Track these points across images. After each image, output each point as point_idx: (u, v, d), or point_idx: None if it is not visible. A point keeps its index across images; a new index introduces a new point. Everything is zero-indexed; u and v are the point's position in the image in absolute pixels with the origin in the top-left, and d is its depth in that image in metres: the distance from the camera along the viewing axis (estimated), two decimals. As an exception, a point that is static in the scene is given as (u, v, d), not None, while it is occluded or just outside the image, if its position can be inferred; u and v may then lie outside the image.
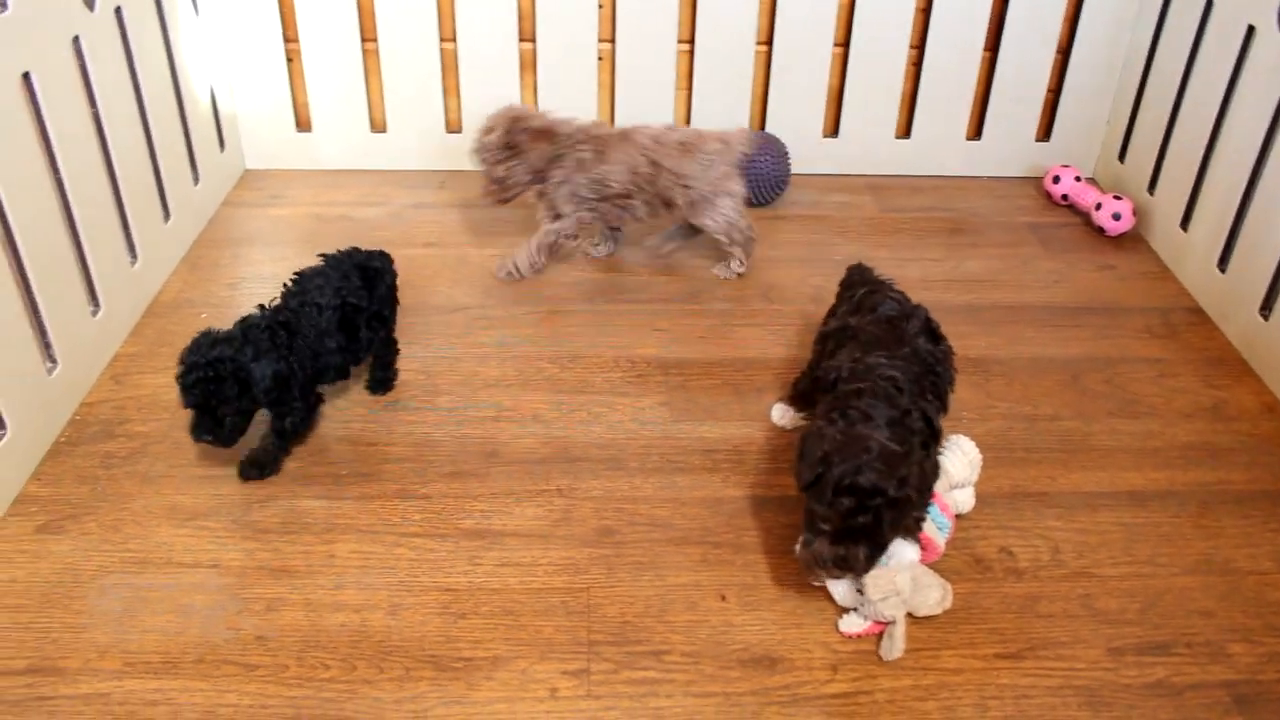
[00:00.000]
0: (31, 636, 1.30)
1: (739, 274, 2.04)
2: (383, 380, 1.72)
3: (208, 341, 1.44)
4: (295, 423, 1.54)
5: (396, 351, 1.74)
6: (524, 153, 1.92)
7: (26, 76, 1.54)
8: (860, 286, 1.61)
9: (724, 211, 1.97)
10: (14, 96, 1.51)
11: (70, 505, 1.49)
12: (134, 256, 1.87)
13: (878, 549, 1.28)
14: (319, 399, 1.60)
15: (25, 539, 1.44)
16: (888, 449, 1.26)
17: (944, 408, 1.47)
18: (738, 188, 1.99)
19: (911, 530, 1.33)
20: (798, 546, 1.41)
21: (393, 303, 1.70)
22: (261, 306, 1.54)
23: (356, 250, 1.66)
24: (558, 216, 1.98)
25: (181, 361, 1.43)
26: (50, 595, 1.36)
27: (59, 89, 1.62)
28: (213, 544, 1.44)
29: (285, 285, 1.59)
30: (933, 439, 1.38)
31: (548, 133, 1.94)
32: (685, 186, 1.94)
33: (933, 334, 1.51)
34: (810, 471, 1.28)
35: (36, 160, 1.57)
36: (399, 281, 1.71)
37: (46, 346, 1.58)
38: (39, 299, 1.55)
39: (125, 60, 1.84)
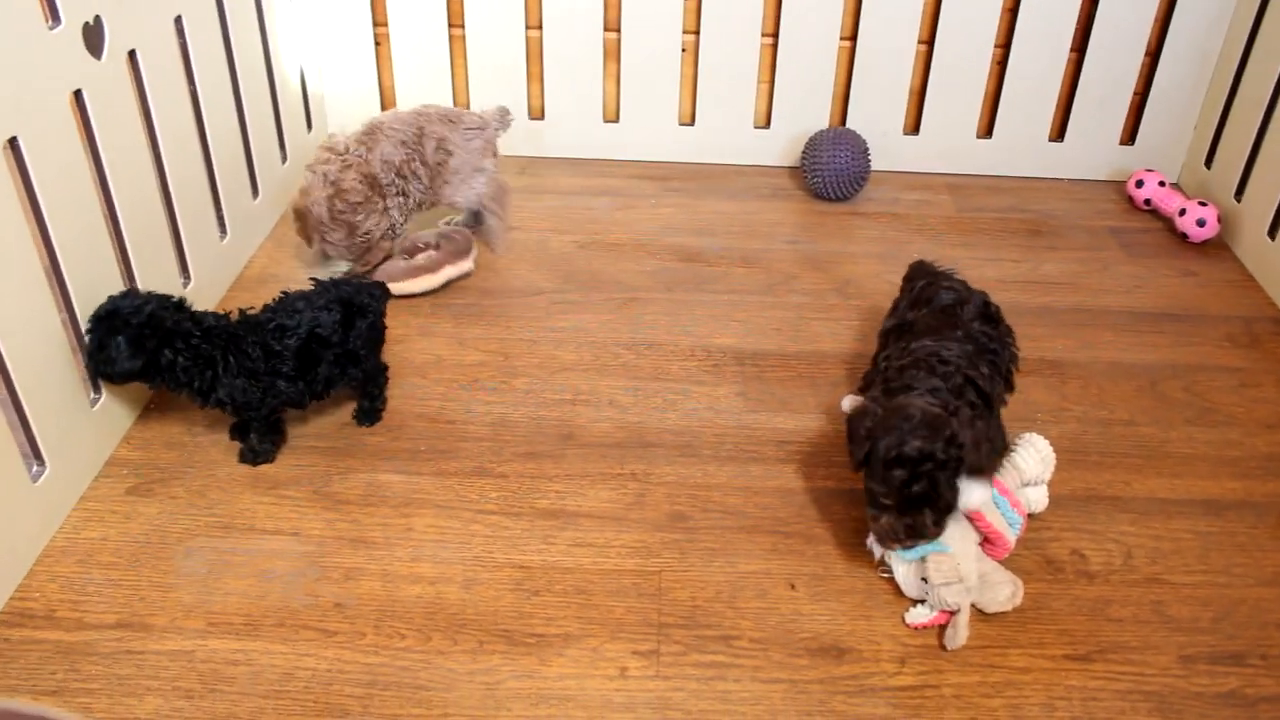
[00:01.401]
0: (121, 593, 1.35)
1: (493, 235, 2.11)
2: (369, 410, 1.63)
3: (119, 298, 1.44)
4: (256, 436, 1.55)
5: (386, 380, 1.65)
6: (364, 204, 1.89)
7: (132, 54, 1.58)
8: (920, 279, 1.61)
9: (475, 188, 2.06)
10: (121, 73, 1.55)
11: (159, 469, 1.54)
12: (224, 232, 1.92)
13: (942, 510, 1.29)
14: (250, 416, 1.52)
15: (116, 500, 1.49)
16: (929, 412, 1.29)
17: (1009, 386, 1.49)
18: (490, 165, 2.06)
19: (986, 471, 1.35)
20: (869, 540, 1.42)
21: (374, 342, 1.60)
22: (242, 311, 1.53)
23: (345, 281, 1.59)
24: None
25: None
26: (139, 555, 1.40)
27: (161, 67, 1.67)
28: (294, 512, 1.48)
29: (270, 302, 1.56)
30: (986, 406, 1.39)
31: (369, 180, 1.90)
32: (448, 152, 2.00)
33: (989, 317, 1.52)
34: (860, 450, 1.31)
35: (138, 136, 1.62)
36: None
37: (140, 315, 1.63)
38: (135, 270, 1.60)
39: (223, 40, 1.89)
